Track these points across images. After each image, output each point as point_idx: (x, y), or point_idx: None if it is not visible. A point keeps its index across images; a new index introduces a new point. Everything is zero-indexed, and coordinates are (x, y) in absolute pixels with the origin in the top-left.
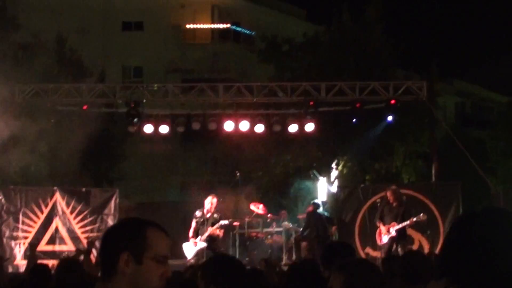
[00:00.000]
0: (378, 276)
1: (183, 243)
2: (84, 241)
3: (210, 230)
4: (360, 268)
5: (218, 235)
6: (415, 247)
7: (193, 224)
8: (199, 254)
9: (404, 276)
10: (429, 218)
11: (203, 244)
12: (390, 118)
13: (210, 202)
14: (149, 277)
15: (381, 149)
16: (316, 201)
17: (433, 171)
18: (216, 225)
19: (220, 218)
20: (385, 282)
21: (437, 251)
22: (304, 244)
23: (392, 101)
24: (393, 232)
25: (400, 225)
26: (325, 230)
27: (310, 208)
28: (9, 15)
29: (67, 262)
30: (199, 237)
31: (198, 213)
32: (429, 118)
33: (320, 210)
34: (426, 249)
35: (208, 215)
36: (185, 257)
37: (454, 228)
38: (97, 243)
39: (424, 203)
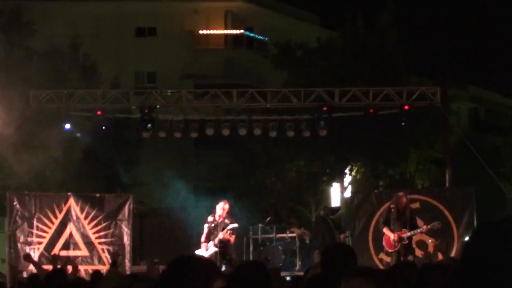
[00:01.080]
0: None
1: (195, 248)
2: (99, 247)
3: (221, 235)
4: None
5: (229, 240)
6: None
7: (205, 229)
8: (211, 258)
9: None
10: (443, 224)
11: (214, 249)
12: (404, 124)
13: (222, 207)
14: None
15: (395, 154)
16: (327, 206)
17: (447, 177)
18: (225, 230)
19: (231, 223)
20: None
21: (452, 255)
22: (316, 250)
23: (406, 107)
24: (405, 240)
25: (412, 232)
26: (333, 238)
27: (320, 213)
28: (24, 21)
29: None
30: (211, 242)
31: (210, 219)
32: (443, 124)
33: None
34: (440, 255)
35: (219, 220)
36: None
37: (474, 240)
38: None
39: (438, 209)
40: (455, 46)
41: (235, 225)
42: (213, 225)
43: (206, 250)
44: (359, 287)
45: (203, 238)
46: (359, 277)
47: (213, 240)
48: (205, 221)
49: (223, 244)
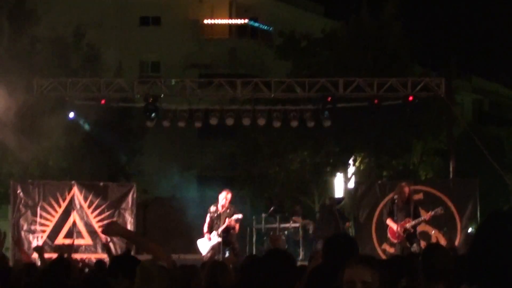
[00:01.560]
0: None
1: (198, 238)
2: (102, 236)
3: (224, 225)
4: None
5: (233, 230)
6: None
7: (207, 219)
8: (215, 248)
9: (426, 273)
10: (447, 215)
11: (218, 239)
12: (408, 114)
13: (224, 197)
14: None
15: (399, 145)
16: (332, 196)
17: (451, 168)
18: (229, 219)
19: (234, 213)
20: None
21: (456, 243)
22: (320, 240)
23: (410, 98)
24: (410, 229)
25: (416, 221)
26: (337, 227)
27: (326, 202)
28: (28, 9)
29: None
30: (214, 232)
31: (212, 208)
32: (447, 115)
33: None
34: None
35: (222, 210)
36: (201, 253)
37: (483, 230)
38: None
39: (441, 200)
40: (459, 37)
41: (240, 215)
42: (215, 214)
43: (209, 240)
44: (360, 275)
45: (205, 228)
46: (360, 265)
47: (216, 230)
48: (207, 211)
49: (226, 233)
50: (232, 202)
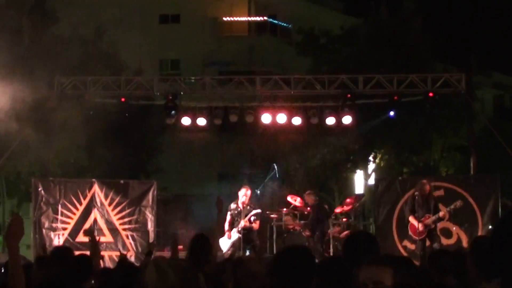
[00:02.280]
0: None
1: (219, 235)
2: (123, 233)
3: (242, 223)
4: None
5: (252, 226)
6: (453, 240)
7: (228, 217)
8: (235, 245)
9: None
10: (468, 211)
11: (238, 235)
12: (428, 111)
13: (244, 194)
14: None
15: (419, 142)
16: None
17: (472, 164)
18: (249, 215)
19: (253, 209)
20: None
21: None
22: (343, 235)
23: (430, 94)
24: (431, 225)
25: (436, 216)
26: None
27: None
28: (48, 8)
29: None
30: (234, 229)
31: (232, 206)
32: (468, 111)
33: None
34: (465, 242)
35: (243, 207)
36: (221, 250)
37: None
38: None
39: (462, 196)
40: (480, 32)
41: (258, 210)
42: (236, 212)
43: (229, 238)
44: (371, 276)
45: (226, 226)
46: (374, 265)
47: (237, 227)
48: (228, 209)
49: (246, 230)
50: (251, 199)
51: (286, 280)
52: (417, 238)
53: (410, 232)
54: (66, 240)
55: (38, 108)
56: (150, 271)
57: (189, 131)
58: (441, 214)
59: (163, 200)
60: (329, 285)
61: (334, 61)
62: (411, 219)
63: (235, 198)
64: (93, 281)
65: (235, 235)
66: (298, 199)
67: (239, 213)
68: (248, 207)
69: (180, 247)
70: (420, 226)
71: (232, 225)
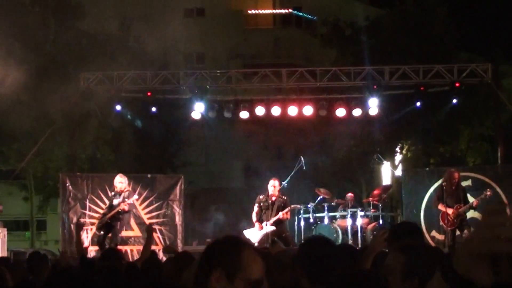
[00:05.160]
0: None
1: (247, 227)
2: None
3: (280, 214)
4: (422, 252)
5: (286, 218)
6: None
7: (256, 208)
8: (263, 239)
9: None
10: (495, 201)
11: (271, 228)
12: (455, 101)
13: (272, 185)
14: None
15: (446, 132)
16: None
17: (499, 154)
18: (287, 209)
19: (286, 204)
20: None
21: None
22: (370, 227)
23: (457, 84)
24: (463, 214)
25: (467, 206)
26: None
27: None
28: (74, 3)
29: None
30: (265, 222)
31: (262, 197)
32: (494, 101)
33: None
34: None
35: (273, 199)
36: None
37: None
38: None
39: (490, 186)
40: (505, 21)
41: (298, 205)
42: (266, 203)
43: (260, 229)
44: (390, 261)
45: (254, 218)
46: (392, 251)
47: (267, 219)
48: (256, 200)
49: (278, 223)
50: (280, 190)
51: (310, 270)
52: (448, 228)
53: (441, 223)
54: (94, 235)
55: (64, 104)
56: None
57: (216, 125)
58: (474, 203)
59: (190, 194)
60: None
61: (360, 52)
62: (441, 207)
63: (261, 191)
64: None
65: (269, 227)
66: (325, 191)
67: (269, 205)
68: (280, 199)
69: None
70: (452, 215)
71: (260, 217)
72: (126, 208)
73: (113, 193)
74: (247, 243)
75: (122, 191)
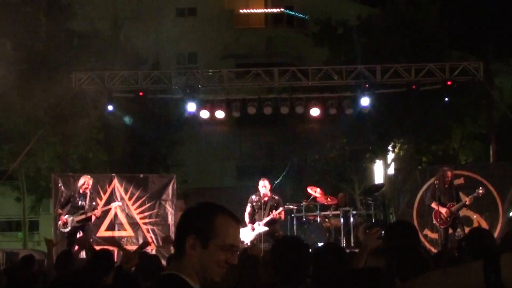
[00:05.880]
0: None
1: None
2: (143, 227)
3: (272, 214)
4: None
5: (280, 218)
6: None
7: (248, 208)
8: (256, 239)
9: (473, 255)
10: (488, 199)
11: (264, 229)
12: (447, 99)
13: (263, 185)
14: (212, 263)
15: (438, 130)
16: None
17: (491, 152)
18: (280, 209)
19: (279, 204)
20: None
21: (496, 232)
22: (362, 226)
23: (449, 83)
24: (456, 213)
25: (459, 205)
26: None
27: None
28: (64, 3)
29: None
30: (257, 222)
31: (254, 198)
32: (486, 99)
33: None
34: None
35: (266, 199)
36: (243, 242)
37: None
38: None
39: (482, 184)
40: (497, 20)
41: (291, 206)
42: (259, 204)
43: (252, 230)
44: (372, 264)
45: (246, 218)
46: (371, 255)
47: (259, 219)
48: (248, 200)
49: (271, 223)
50: (272, 190)
51: (283, 270)
52: (441, 226)
53: (434, 221)
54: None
55: (56, 104)
56: None
57: (208, 124)
58: (467, 201)
59: (183, 194)
60: (325, 272)
61: (352, 51)
62: (434, 205)
63: (254, 190)
64: None
65: (261, 228)
66: (318, 190)
67: (262, 205)
68: (273, 199)
69: None
70: (445, 214)
71: (253, 218)
72: (98, 214)
73: (74, 194)
74: (221, 208)
75: (85, 193)
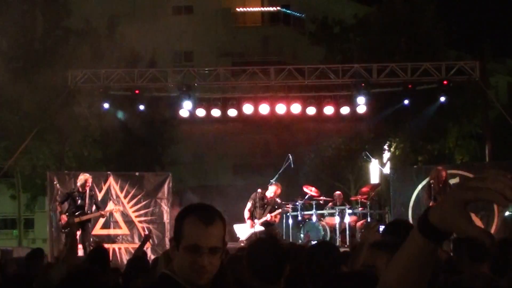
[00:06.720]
0: None
1: (236, 223)
2: (139, 225)
3: (268, 216)
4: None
5: (274, 221)
6: None
7: (249, 204)
8: (252, 236)
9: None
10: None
11: (260, 228)
12: (443, 99)
13: (273, 191)
14: (185, 265)
15: (434, 130)
16: None
17: (487, 152)
18: (275, 212)
19: (279, 205)
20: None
21: (492, 230)
22: (358, 224)
23: (445, 82)
24: None
25: None
26: None
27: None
28: (61, 1)
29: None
30: (256, 220)
31: (258, 194)
32: (482, 99)
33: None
34: None
35: (267, 200)
36: (238, 239)
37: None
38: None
39: None
40: (493, 19)
41: (283, 209)
42: (261, 202)
43: (251, 227)
44: (374, 257)
45: (246, 214)
46: (375, 249)
47: (259, 218)
48: (251, 197)
49: (268, 223)
50: (279, 196)
51: (258, 271)
52: None
53: None
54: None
55: (52, 101)
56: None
57: (204, 123)
58: None
59: (179, 192)
60: (317, 270)
61: (348, 50)
62: (431, 205)
63: (250, 189)
64: None
65: (259, 227)
66: (313, 189)
67: (263, 205)
68: (274, 201)
69: None
70: None
71: (252, 215)
72: (106, 214)
73: (74, 192)
74: (195, 209)
75: (85, 191)
